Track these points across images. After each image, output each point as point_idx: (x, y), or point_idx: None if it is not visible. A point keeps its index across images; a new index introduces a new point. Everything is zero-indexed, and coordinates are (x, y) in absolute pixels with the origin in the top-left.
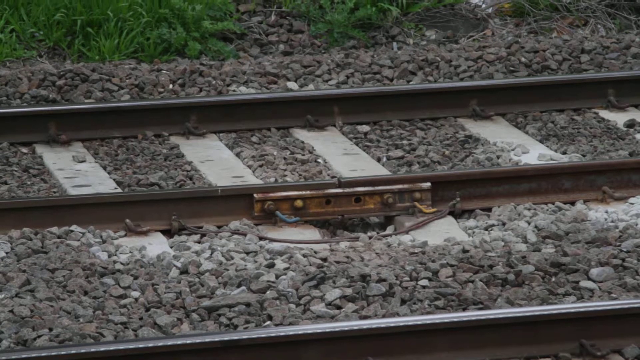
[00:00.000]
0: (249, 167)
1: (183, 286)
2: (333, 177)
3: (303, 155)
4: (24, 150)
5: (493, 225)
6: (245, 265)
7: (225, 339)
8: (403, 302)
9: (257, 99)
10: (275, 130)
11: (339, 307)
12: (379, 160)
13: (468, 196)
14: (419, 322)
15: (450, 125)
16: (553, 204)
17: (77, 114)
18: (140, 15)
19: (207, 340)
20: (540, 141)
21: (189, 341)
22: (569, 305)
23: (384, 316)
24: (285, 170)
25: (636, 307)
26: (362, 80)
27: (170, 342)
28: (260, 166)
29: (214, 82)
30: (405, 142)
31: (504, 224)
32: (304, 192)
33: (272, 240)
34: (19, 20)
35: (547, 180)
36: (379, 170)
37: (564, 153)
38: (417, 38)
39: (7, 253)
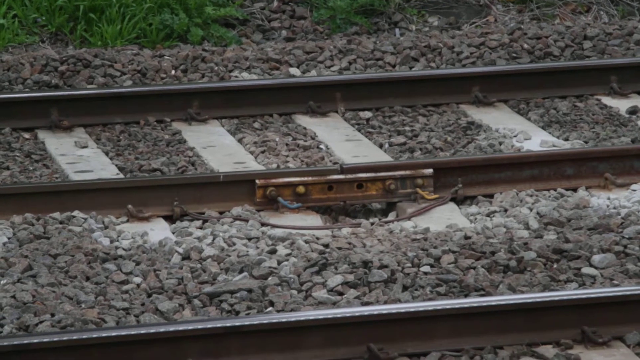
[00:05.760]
0: (251, 153)
1: (185, 272)
2: (335, 163)
3: (305, 141)
4: (26, 135)
5: (495, 211)
6: (247, 251)
7: (227, 325)
8: (405, 288)
9: (260, 85)
10: (278, 116)
11: (340, 294)
12: (381, 146)
13: (470, 182)
14: (421, 309)
15: (453, 112)
16: (555, 190)
17: (80, 99)
18: (142, 0)
19: (209, 326)
20: (543, 128)
21: (190, 327)
22: (571, 292)
23: (385, 302)
24: (287, 156)
25: (638, 294)
26: (365, 66)
27: (172, 328)
28: (263, 152)
29: (216, 68)
30: (407, 128)
31: (506, 211)
32: (306, 178)
33: (274, 226)
34: (21, 6)
35: (549, 167)
36: (381, 156)
37: (566, 139)
38: (419, 24)
39: (9, 238)
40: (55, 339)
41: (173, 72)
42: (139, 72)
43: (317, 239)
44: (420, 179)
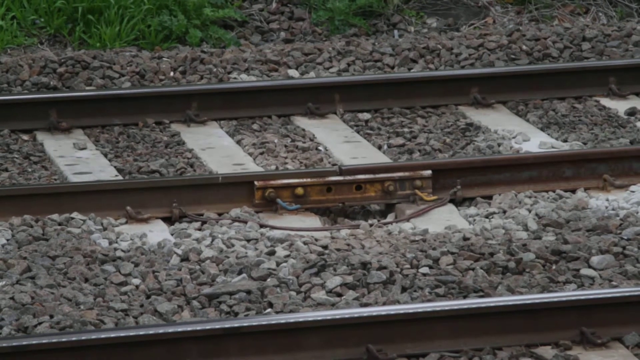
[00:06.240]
0: (250, 154)
1: (184, 273)
2: (334, 164)
3: (304, 142)
4: (25, 137)
5: (494, 213)
6: (246, 253)
7: (226, 326)
8: (404, 289)
9: (258, 87)
10: (276, 117)
11: (339, 295)
12: (379, 148)
13: (469, 184)
14: (420, 310)
15: (451, 113)
16: (554, 191)
17: (78, 101)
18: (141, 2)
19: (207, 327)
20: (542, 129)
21: (189, 328)
22: (570, 293)
23: (384, 304)
24: (286, 157)
25: (637, 295)
26: (363, 68)
27: (171, 330)
28: (261, 154)
29: (214, 69)
30: (406, 129)
31: (504, 212)
32: (304, 180)
33: (272, 227)
34: (20, 8)
35: (548, 168)
36: (379, 158)
37: (565, 141)
38: (418, 26)
39: (8, 240)
40: (54, 340)
41: (172, 73)
42: (137, 73)
43: (316, 240)
44: (419, 181)
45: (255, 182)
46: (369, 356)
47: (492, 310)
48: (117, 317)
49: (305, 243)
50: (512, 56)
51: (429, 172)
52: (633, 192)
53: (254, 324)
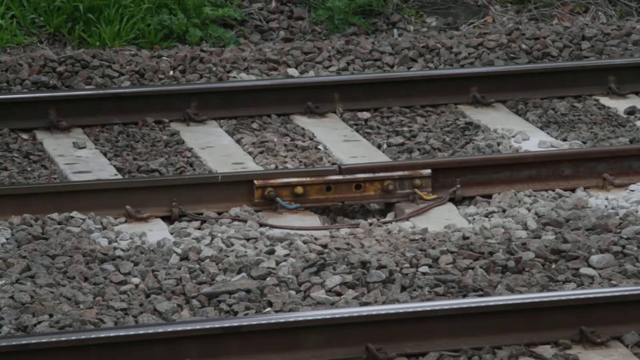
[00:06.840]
0: (250, 153)
1: (183, 272)
2: (333, 163)
3: (303, 141)
4: (25, 136)
5: (493, 212)
6: (246, 252)
7: (226, 325)
8: (403, 288)
9: (258, 86)
10: (276, 116)
11: (339, 294)
12: (379, 147)
13: (468, 183)
14: (419, 309)
15: (451, 112)
16: (553, 190)
17: (78, 100)
18: (140, 1)
19: (207, 326)
20: (541, 128)
21: (189, 327)
22: (569, 292)
23: (384, 303)
24: (285, 156)
25: (636, 294)
26: (363, 67)
27: (170, 329)
28: (261, 153)
29: (214, 68)
30: (405, 128)
31: (504, 211)
32: (304, 179)
33: (272, 226)
34: (19, 6)
35: (547, 167)
36: (379, 157)
37: (565, 140)
38: (417, 25)
39: (7, 239)
40: (53, 340)
41: (171, 72)
42: (137, 72)
43: (316, 239)
44: (418, 180)
45: (255, 181)
46: (368, 355)
47: (492, 309)
48: (117, 316)
49: (304, 242)
50: (512, 55)
51: (428, 171)
52: (632, 191)
53: (254, 323)
